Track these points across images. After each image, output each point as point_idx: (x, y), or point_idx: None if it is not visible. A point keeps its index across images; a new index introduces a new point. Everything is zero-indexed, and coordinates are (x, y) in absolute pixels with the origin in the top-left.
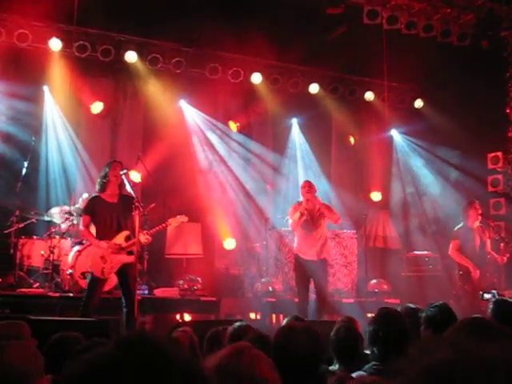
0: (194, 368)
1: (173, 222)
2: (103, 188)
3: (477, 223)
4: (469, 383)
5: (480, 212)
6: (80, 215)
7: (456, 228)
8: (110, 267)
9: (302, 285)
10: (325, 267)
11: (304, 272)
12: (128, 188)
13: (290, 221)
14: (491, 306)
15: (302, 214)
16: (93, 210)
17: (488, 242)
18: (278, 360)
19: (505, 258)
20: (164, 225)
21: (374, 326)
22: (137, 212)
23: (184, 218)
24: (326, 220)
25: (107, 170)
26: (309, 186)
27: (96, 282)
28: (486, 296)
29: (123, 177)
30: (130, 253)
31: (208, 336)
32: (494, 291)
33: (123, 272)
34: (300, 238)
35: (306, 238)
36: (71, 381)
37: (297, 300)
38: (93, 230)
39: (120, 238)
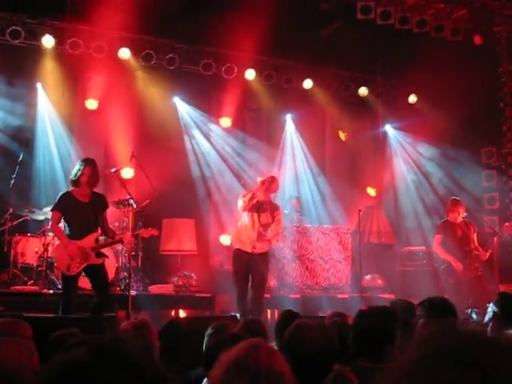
0: (165, 378)
1: (143, 234)
2: (76, 185)
3: (459, 218)
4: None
5: (462, 209)
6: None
7: (439, 223)
8: (76, 265)
9: (243, 279)
10: (265, 261)
11: (244, 265)
12: (122, 184)
13: (241, 202)
14: (496, 299)
15: (253, 196)
16: (64, 207)
17: (474, 236)
18: (292, 358)
19: (487, 254)
20: (136, 234)
21: (356, 325)
22: (131, 209)
23: (154, 232)
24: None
25: (80, 168)
26: (269, 183)
27: (68, 278)
28: (474, 316)
29: (117, 176)
30: (99, 254)
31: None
32: (475, 309)
33: (92, 273)
34: (243, 229)
35: (249, 230)
36: (42, 381)
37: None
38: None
39: (90, 240)
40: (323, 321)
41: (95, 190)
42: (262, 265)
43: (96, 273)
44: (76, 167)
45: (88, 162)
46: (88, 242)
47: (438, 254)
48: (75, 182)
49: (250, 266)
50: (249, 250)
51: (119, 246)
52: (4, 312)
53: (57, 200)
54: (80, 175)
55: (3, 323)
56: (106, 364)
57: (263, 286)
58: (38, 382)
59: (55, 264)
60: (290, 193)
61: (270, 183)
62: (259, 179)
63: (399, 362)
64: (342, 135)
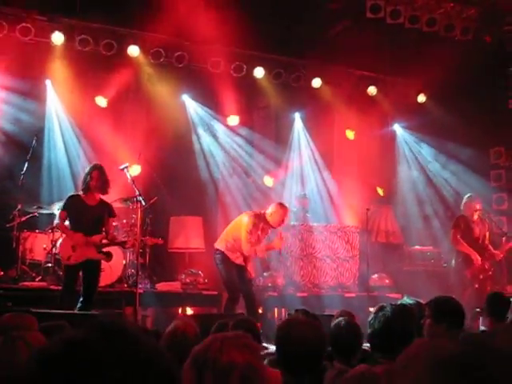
0: (158, 353)
1: (148, 241)
2: (85, 190)
3: (475, 216)
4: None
5: (479, 207)
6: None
7: (455, 217)
8: (77, 257)
9: (235, 281)
10: (246, 272)
11: (234, 268)
12: (129, 182)
13: (246, 245)
14: (486, 300)
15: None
16: (70, 208)
17: (487, 235)
18: (280, 353)
19: (501, 255)
20: (140, 240)
21: (375, 320)
22: (139, 206)
23: (159, 241)
24: None
25: (88, 173)
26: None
27: (68, 268)
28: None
29: (126, 173)
30: (101, 253)
31: (214, 329)
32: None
33: (87, 267)
34: (240, 245)
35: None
36: (42, 356)
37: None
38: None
39: (95, 238)
40: (329, 319)
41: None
42: (245, 275)
43: (90, 270)
44: (85, 174)
45: (95, 167)
46: (93, 239)
47: (457, 246)
48: (85, 189)
49: (238, 272)
50: (238, 262)
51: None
52: (12, 307)
53: (64, 200)
54: (89, 180)
55: (10, 317)
56: (105, 338)
57: (253, 292)
58: (38, 358)
59: (58, 252)
60: (297, 191)
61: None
62: (267, 177)
63: (409, 370)
64: (351, 134)
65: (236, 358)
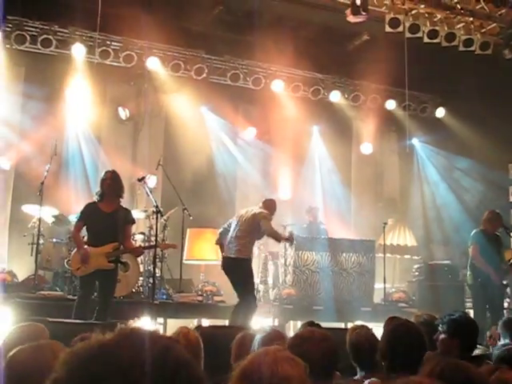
0: (195, 367)
1: (161, 246)
2: (101, 196)
3: (496, 232)
4: None
5: (501, 223)
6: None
7: (474, 232)
8: (85, 269)
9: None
10: None
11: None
12: (148, 193)
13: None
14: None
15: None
16: (87, 217)
17: (500, 251)
18: None
19: None
20: (148, 245)
21: (383, 340)
22: (156, 217)
23: (174, 246)
24: None
25: (103, 178)
26: None
27: (83, 278)
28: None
29: (144, 185)
30: (114, 261)
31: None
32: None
33: (100, 277)
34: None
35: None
36: (71, 362)
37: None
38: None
39: (107, 248)
40: (340, 333)
41: (122, 204)
42: None
43: (103, 280)
44: (100, 180)
45: (109, 171)
46: (104, 249)
47: (477, 263)
48: (101, 195)
49: None
50: None
51: (143, 254)
52: (29, 316)
53: (81, 210)
54: (104, 185)
55: (21, 328)
56: (132, 343)
57: None
58: (69, 361)
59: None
60: (313, 204)
61: None
62: (283, 190)
63: None
64: (369, 147)
65: (290, 371)
